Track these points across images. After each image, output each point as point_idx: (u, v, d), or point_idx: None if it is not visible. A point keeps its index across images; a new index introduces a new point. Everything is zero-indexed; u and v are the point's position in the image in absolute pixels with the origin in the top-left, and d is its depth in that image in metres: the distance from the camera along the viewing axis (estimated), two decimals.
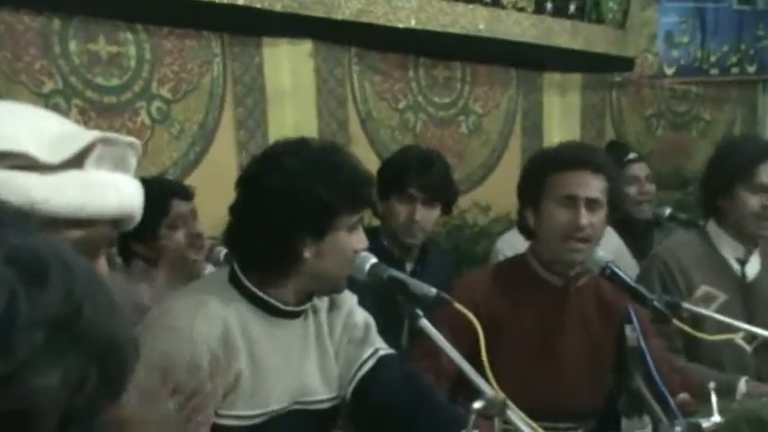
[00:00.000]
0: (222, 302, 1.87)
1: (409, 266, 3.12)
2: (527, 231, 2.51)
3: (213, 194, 3.42)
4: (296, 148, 1.89)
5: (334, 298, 2.05)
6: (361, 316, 2.08)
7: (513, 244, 3.06)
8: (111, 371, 0.72)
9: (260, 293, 1.91)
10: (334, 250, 1.88)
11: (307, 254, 1.85)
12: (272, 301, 1.92)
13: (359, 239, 1.92)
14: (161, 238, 2.88)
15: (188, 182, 3.21)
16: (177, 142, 3.62)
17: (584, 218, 2.36)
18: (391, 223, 3.07)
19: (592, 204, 2.38)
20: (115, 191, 1.13)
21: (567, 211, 2.38)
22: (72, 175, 1.08)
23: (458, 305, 1.91)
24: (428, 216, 3.05)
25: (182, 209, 2.94)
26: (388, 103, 4.41)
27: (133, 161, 1.18)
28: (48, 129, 1.09)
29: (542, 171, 2.43)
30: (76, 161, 1.09)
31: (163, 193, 2.96)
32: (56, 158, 1.06)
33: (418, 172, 3.04)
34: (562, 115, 5.16)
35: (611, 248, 3.38)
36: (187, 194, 3.00)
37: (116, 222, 1.16)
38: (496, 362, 1.87)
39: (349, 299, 2.08)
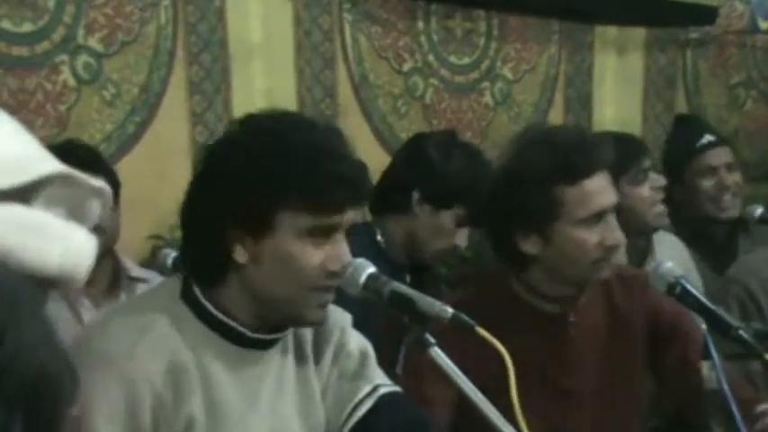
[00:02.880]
0: (172, 325, 1.86)
1: (408, 277, 3.15)
2: (517, 262, 2.50)
3: (158, 179, 3.43)
4: (256, 118, 1.92)
5: None
6: (357, 342, 2.08)
7: None
8: (40, 417, 0.71)
9: (219, 315, 1.90)
10: (273, 257, 1.85)
11: (240, 256, 1.85)
12: (234, 325, 1.91)
13: (327, 254, 1.86)
14: None
15: (125, 162, 3.21)
16: (111, 110, 3.59)
17: (618, 230, 2.41)
18: (422, 237, 3.09)
19: (615, 211, 2.45)
20: (62, 244, 1.12)
21: (595, 231, 2.41)
22: (10, 209, 1.06)
23: (482, 331, 1.92)
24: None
25: None
26: (389, 64, 4.39)
27: (94, 212, 1.18)
28: (3, 145, 1.09)
29: (549, 185, 2.41)
30: (21, 194, 1.07)
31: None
32: None
33: (472, 188, 3.09)
34: (618, 83, 5.15)
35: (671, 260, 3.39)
36: (82, 159, 2.96)
37: (47, 282, 1.16)
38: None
39: (341, 319, 2.07)
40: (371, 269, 1.98)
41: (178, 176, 1.94)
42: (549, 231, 2.43)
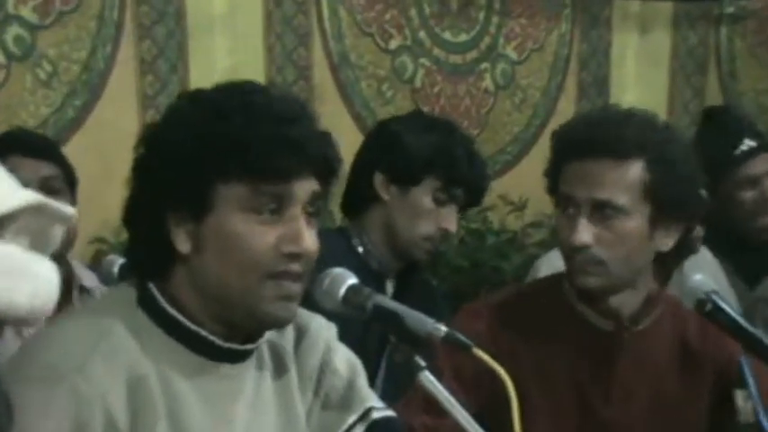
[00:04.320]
0: (130, 335, 1.85)
1: (390, 286, 3.15)
2: None
3: (102, 172, 3.41)
4: (201, 90, 1.94)
5: (304, 329, 2.03)
6: (344, 357, 2.07)
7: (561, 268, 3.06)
8: None
9: (185, 321, 1.88)
10: (217, 239, 1.84)
11: (182, 245, 1.85)
12: (204, 333, 1.89)
13: (281, 234, 1.84)
14: None
15: (64, 152, 3.20)
16: (47, 91, 3.59)
17: (581, 232, 2.41)
18: (400, 224, 3.10)
19: (602, 210, 2.41)
20: (30, 281, 1.18)
21: (566, 221, 2.45)
22: None
23: (480, 353, 1.93)
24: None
25: (25, 171, 2.90)
26: (373, 41, 4.40)
27: (57, 238, 1.24)
28: None
29: (557, 156, 2.51)
30: None
31: None
32: None
33: (469, 165, 3.10)
34: (641, 65, 5.15)
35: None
36: (36, 148, 2.97)
37: (12, 321, 1.21)
38: None
39: (326, 330, 2.07)
40: (352, 280, 1.97)
41: (125, 170, 1.92)
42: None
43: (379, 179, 3.07)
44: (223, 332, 1.90)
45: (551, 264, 3.36)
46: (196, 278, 1.88)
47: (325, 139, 1.91)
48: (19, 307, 1.18)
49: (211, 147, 1.82)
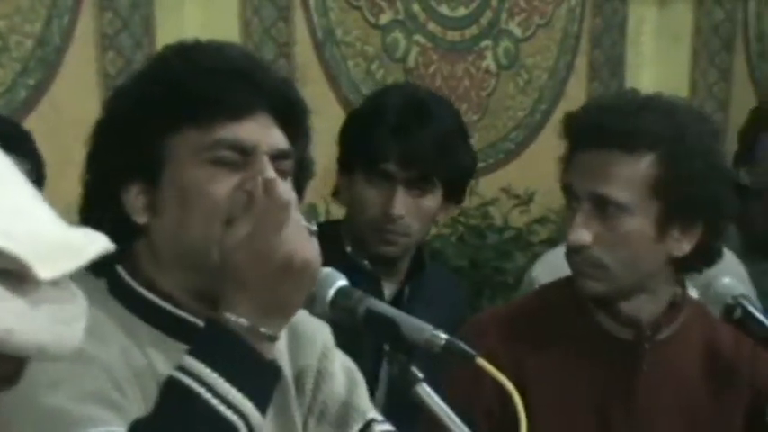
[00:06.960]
0: (111, 322, 1.85)
1: (389, 289, 3.12)
2: None
3: (58, 162, 3.39)
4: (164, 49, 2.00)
5: (297, 328, 2.01)
6: (342, 363, 2.07)
7: (562, 271, 3.04)
8: None
9: (160, 301, 1.88)
10: (174, 195, 1.87)
11: (140, 217, 1.87)
12: (183, 313, 1.88)
13: (243, 179, 1.84)
14: None
15: None
16: None
17: (577, 231, 2.43)
18: (357, 218, 3.09)
19: (603, 207, 2.43)
20: (76, 318, 1.25)
21: (569, 216, 2.50)
22: (47, 296, 1.20)
23: (485, 364, 1.91)
24: (416, 208, 3.06)
25: None
26: (362, 15, 4.40)
27: None
28: (48, 229, 1.22)
29: (569, 144, 2.54)
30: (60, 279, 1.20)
31: None
32: (48, 273, 1.17)
33: (398, 131, 3.07)
34: (660, 43, 5.15)
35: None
36: (13, 140, 2.96)
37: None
38: None
39: (321, 333, 2.07)
40: (341, 282, 1.96)
41: (84, 158, 1.93)
42: None
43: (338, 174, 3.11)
44: (204, 310, 1.88)
45: (549, 264, 3.35)
46: (158, 245, 1.89)
47: (280, 76, 1.95)
48: (70, 346, 1.26)
49: (153, 97, 1.87)
